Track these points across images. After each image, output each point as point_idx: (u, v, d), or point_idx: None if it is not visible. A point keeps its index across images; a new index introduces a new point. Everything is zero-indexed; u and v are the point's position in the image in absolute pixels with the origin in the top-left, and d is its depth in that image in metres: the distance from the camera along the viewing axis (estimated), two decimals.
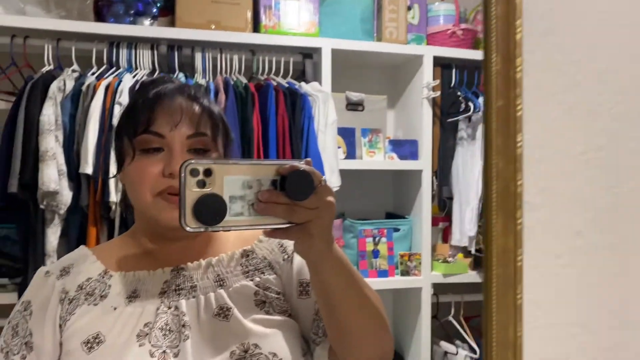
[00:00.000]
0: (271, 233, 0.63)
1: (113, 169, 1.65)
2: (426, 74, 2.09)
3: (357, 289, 0.74)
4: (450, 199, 2.25)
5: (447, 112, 2.19)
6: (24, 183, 1.61)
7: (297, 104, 1.80)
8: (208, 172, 0.58)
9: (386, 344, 0.79)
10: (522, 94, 0.64)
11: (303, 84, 1.91)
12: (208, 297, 0.80)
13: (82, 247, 0.88)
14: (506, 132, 0.63)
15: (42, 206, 1.62)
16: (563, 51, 0.69)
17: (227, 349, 0.76)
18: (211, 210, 0.57)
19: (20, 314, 0.82)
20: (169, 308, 0.79)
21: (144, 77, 1.79)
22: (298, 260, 0.84)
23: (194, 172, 0.57)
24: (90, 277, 0.83)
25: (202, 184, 0.58)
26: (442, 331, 2.21)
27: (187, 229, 0.57)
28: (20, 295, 1.65)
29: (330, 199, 0.64)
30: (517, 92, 0.63)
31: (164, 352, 0.75)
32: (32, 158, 1.63)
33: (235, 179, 0.59)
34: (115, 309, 0.79)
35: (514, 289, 0.64)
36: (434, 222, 2.20)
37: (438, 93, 2.11)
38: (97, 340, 0.76)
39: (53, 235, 1.67)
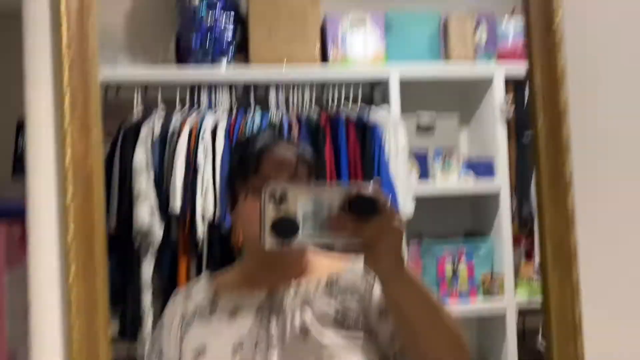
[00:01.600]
0: (342, 249, 0.73)
1: (200, 205, 1.77)
2: (497, 93, 2.05)
3: (430, 308, 0.80)
4: (533, 217, 2.18)
5: (522, 131, 2.13)
6: (120, 221, 1.76)
7: (367, 135, 1.84)
8: (284, 196, 0.67)
9: None
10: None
11: (372, 110, 1.94)
12: (294, 316, 0.93)
13: (205, 272, 1.16)
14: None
15: (136, 244, 1.76)
16: None
17: None
18: (286, 229, 0.67)
19: (157, 331, 1.05)
20: (261, 324, 0.93)
21: (232, 120, 1.91)
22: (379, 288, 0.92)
23: (272, 196, 0.67)
24: (205, 296, 1.02)
25: (279, 206, 0.67)
26: (531, 357, 2.14)
27: (266, 245, 0.68)
28: (120, 322, 1.82)
29: (396, 221, 0.71)
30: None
31: None
32: (128, 197, 1.78)
33: (308, 201, 0.67)
34: (219, 323, 0.96)
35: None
36: (516, 241, 2.13)
37: (511, 112, 2.06)
38: (202, 351, 0.94)
39: (148, 267, 1.80)
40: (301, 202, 0.67)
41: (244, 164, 0.96)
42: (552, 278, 0.63)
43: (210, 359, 0.92)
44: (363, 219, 0.67)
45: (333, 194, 0.68)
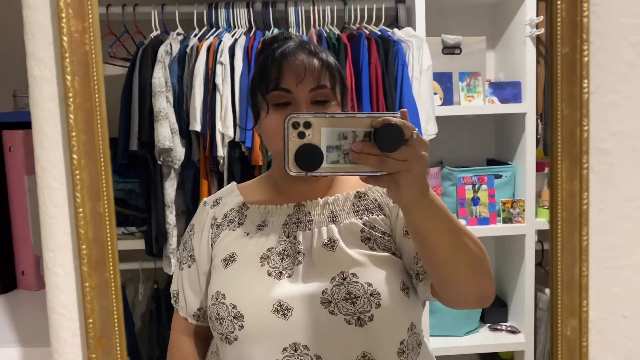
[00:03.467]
0: (364, 180, 0.71)
1: (220, 125, 1.76)
2: (529, 10, 1.96)
3: (453, 235, 0.78)
4: None
5: None
6: (142, 141, 1.78)
7: (390, 52, 1.78)
8: (307, 125, 0.66)
9: (485, 288, 0.84)
10: (589, 39, 0.61)
11: (396, 30, 1.88)
12: (321, 230, 0.92)
13: (232, 183, 1.07)
14: (572, 79, 0.62)
15: (159, 162, 1.78)
16: None
17: (330, 274, 0.87)
18: (309, 158, 0.66)
19: (187, 234, 1.04)
20: (288, 237, 0.93)
21: (256, 37, 1.86)
22: None
23: (295, 125, 0.66)
24: (233, 208, 1.01)
25: (302, 135, 0.66)
26: (546, 279, 2.15)
27: (291, 173, 0.67)
28: (145, 241, 1.86)
29: (421, 152, 0.68)
30: (584, 37, 0.61)
31: (280, 272, 0.90)
32: (148, 118, 1.78)
33: (331, 131, 0.67)
34: (247, 234, 0.95)
35: (580, 231, 0.64)
36: (539, 167, 2.10)
37: (542, 30, 1.97)
38: (232, 259, 0.93)
39: (170, 187, 1.83)
40: (325, 131, 0.67)
41: (265, 74, 0.91)
42: (562, 168, 0.61)
43: (238, 268, 0.92)
44: (388, 149, 0.66)
45: (358, 123, 0.67)
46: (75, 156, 0.66)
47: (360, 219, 0.93)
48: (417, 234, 0.78)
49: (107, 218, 0.68)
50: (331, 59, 0.94)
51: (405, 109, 0.70)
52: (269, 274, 0.90)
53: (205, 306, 0.98)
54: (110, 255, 0.68)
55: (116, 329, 0.67)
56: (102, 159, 0.67)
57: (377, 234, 0.91)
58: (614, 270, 0.70)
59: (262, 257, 0.91)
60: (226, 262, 0.93)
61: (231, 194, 1.03)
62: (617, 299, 0.70)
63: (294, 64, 0.90)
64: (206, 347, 1.04)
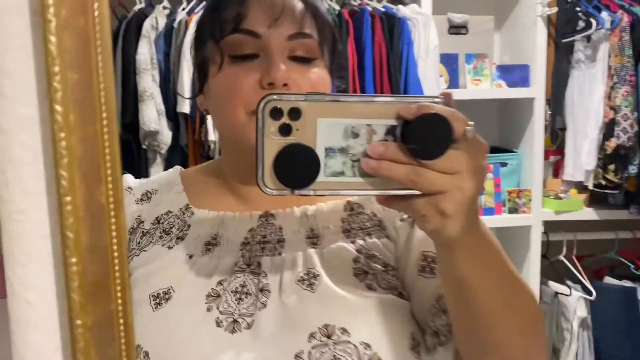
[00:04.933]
0: (385, 201, 0.46)
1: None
2: None
3: (509, 288, 0.53)
4: (563, 129, 2.04)
5: (562, 32, 1.94)
6: (125, 123, 1.64)
7: (394, 30, 1.66)
8: (295, 113, 0.42)
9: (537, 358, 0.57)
10: None
11: (401, 7, 1.75)
12: (296, 257, 0.64)
13: (177, 168, 0.76)
14: None
15: (144, 146, 1.65)
16: None
17: (307, 328, 0.59)
18: (298, 168, 0.43)
19: None
20: (249, 264, 0.64)
21: None
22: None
23: (276, 113, 0.42)
24: (171, 211, 0.70)
25: (286, 130, 0.43)
26: (552, 271, 2.07)
27: (267, 191, 0.43)
28: None
29: (480, 160, 0.45)
30: None
31: (235, 321, 0.61)
32: (132, 98, 1.64)
33: (334, 123, 0.43)
34: (190, 257, 0.65)
35: None
36: (545, 155, 2.01)
37: (554, 9, 1.86)
38: (166, 297, 0.63)
39: (156, 174, 1.70)
40: (323, 124, 0.43)
41: (221, 9, 0.63)
42: None
43: (174, 312, 0.62)
44: (428, 154, 0.42)
45: (376, 112, 0.43)
46: (58, 108, 0.36)
47: (353, 242, 0.65)
48: (457, 284, 0.51)
49: (112, 212, 0.39)
50: (320, 4, 0.67)
51: (449, 91, 0.45)
52: (219, 324, 0.61)
53: None
54: (117, 275, 0.40)
55: None
56: (103, 114, 0.39)
57: (378, 266, 0.64)
58: None
59: (210, 296, 0.62)
60: (158, 300, 0.63)
61: (171, 188, 0.72)
62: None
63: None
64: None
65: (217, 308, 0.61)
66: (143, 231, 0.69)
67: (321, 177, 0.43)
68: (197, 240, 0.66)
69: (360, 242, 0.66)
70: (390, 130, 0.44)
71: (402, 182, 0.43)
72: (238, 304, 0.62)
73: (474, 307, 0.52)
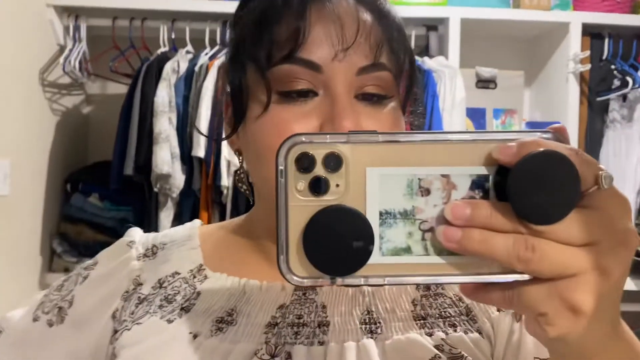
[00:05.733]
0: (476, 293, 0.32)
1: (226, 151, 1.57)
2: (573, 45, 1.79)
3: None
4: None
5: (596, 90, 1.87)
6: (139, 165, 1.60)
7: (419, 82, 1.60)
8: (334, 162, 0.30)
9: None
10: None
11: (427, 59, 1.71)
12: (345, 347, 0.47)
13: (196, 221, 0.62)
14: None
15: (155, 189, 1.60)
16: None
17: None
18: (341, 244, 0.29)
19: (75, 276, 0.58)
20: (273, 356, 0.48)
21: None
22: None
23: (306, 163, 0.30)
24: (178, 273, 0.55)
25: (321, 187, 0.30)
26: None
27: (295, 280, 0.30)
28: None
29: (625, 221, 0.30)
30: None
31: None
32: (147, 140, 1.61)
33: (392, 175, 0.30)
34: (195, 337, 0.50)
35: None
36: None
37: (587, 67, 1.79)
38: None
39: (166, 218, 1.64)
40: (375, 176, 0.30)
41: (268, 29, 0.48)
42: None
43: None
44: (544, 216, 0.28)
45: (455, 156, 0.30)
46: None
47: (430, 335, 0.49)
48: None
49: None
50: (398, 17, 0.51)
51: (561, 124, 0.32)
52: None
53: None
54: None
55: None
56: None
57: None
58: None
59: None
60: None
61: (184, 245, 0.58)
62: None
63: (330, 14, 0.47)
64: None
65: None
66: (140, 297, 0.54)
67: (376, 257, 0.30)
68: (207, 314, 0.51)
69: (441, 334, 0.48)
70: (479, 183, 0.30)
71: (505, 261, 0.29)
72: None
73: None
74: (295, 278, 0.30)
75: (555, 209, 0.28)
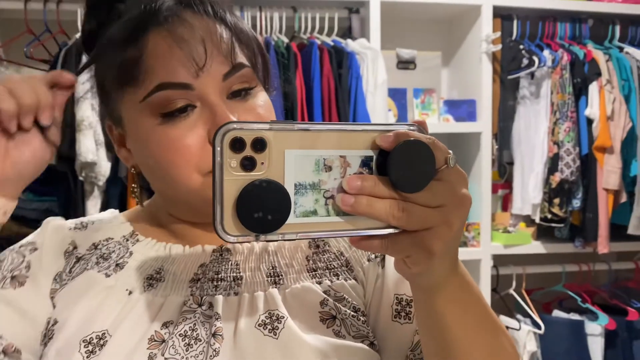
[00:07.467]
0: (361, 242, 0.41)
1: None
2: (485, 26, 1.90)
3: (490, 332, 0.50)
4: (511, 163, 2.07)
5: (507, 69, 1.99)
6: (61, 154, 1.55)
7: (343, 64, 1.66)
8: (260, 144, 0.37)
9: None
10: None
11: (349, 41, 1.76)
12: (255, 296, 0.57)
13: (113, 210, 0.69)
14: None
15: (81, 178, 1.57)
16: None
17: None
18: (265, 208, 0.37)
19: (21, 249, 0.61)
20: (200, 305, 0.56)
21: None
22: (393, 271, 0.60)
23: (237, 145, 0.37)
24: (112, 238, 0.62)
25: (249, 165, 0.37)
26: (501, 305, 2.07)
27: (228, 238, 0.37)
28: None
29: (462, 190, 0.41)
30: None
31: None
32: (70, 128, 1.57)
33: (304, 155, 0.38)
34: (130, 293, 0.57)
35: None
36: (493, 189, 2.03)
37: (499, 47, 1.91)
38: (101, 342, 0.54)
39: (93, 207, 1.61)
40: (292, 156, 0.38)
41: (132, 63, 0.53)
42: None
43: (110, 357, 0.53)
44: (411, 187, 0.39)
45: (350, 141, 0.39)
46: None
47: (320, 283, 0.59)
48: (437, 329, 0.47)
49: None
50: (241, 22, 0.59)
51: (423, 119, 0.43)
52: None
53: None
54: None
55: None
56: None
57: (347, 310, 0.57)
58: None
59: (153, 341, 0.54)
60: (91, 347, 0.53)
61: (111, 221, 0.64)
62: None
63: (182, 37, 0.53)
64: None
65: (162, 355, 0.53)
66: (77, 256, 0.60)
67: (291, 218, 0.38)
68: (139, 272, 0.58)
69: (327, 282, 0.59)
70: (366, 162, 0.40)
71: (383, 219, 0.39)
72: (186, 350, 0.53)
73: (455, 353, 0.48)
74: (229, 237, 0.38)
75: (418, 181, 0.39)
